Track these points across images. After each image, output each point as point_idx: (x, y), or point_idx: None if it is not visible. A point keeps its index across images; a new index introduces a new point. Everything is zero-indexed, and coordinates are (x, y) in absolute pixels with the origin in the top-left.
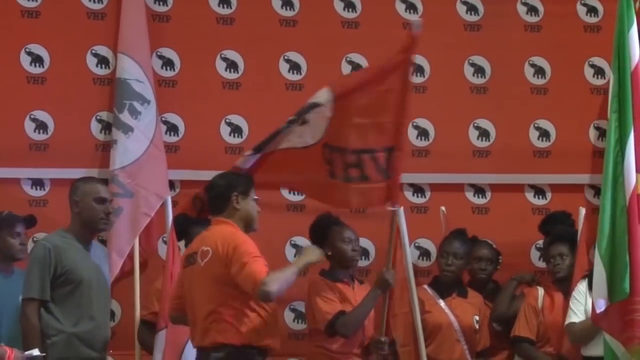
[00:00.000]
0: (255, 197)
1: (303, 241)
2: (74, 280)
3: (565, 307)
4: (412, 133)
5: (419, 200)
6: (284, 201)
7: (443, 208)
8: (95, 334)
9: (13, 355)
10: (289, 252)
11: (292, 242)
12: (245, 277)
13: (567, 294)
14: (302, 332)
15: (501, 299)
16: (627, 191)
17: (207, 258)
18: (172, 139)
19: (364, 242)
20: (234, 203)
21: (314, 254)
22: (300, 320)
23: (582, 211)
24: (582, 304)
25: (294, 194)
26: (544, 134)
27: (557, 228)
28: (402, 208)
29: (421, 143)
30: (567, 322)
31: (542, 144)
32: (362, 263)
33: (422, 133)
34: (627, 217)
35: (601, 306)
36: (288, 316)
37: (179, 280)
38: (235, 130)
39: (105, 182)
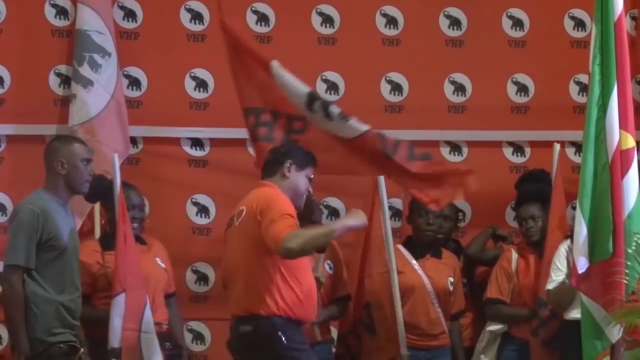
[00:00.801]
0: (311, 176)
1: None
2: (57, 247)
3: (539, 269)
4: (385, 88)
5: None
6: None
7: None
8: (77, 303)
9: None
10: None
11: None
12: (270, 234)
13: (542, 255)
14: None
15: (476, 239)
16: (610, 147)
17: (241, 217)
18: (134, 93)
19: (334, 202)
20: (284, 170)
21: (356, 217)
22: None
23: (557, 148)
24: (562, 271)
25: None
26: (523, 89)
27: (525, 187)
28: None
29: (395, 98)
30: (547, 287)
31: (521, 99)
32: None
33: (396, 88)
34: (609, 174)
35: (582, 266)
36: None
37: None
38: (201, 84)
39: None
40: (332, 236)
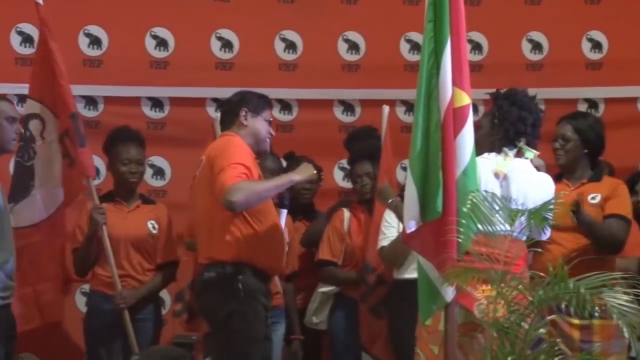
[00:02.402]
0: (270, 118)
1: None
2: None
3: (370, 228)
4: (215, 45)
5: None
6: None
7: None
8: (13, 267)
9: None
10: None
11: None
12: (217, 183)
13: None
14: None
15: None
16: (442, 105)
17: (201, 167)
18: None
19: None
20: (241, 118)
21: (303, 170)
22: None
23: (385, 110)
24: (395, 226)
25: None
26: (353, 47)
27: (358, 144)
28: None
29: (225, 55)
30: (379, 245)
31: (352, 57)
32: (158, 183)
33: (226, 45)
34: (441, 133)
35: (412, 227)
36: None
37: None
38: (27, 40)
39: None
40: (278, 190)
